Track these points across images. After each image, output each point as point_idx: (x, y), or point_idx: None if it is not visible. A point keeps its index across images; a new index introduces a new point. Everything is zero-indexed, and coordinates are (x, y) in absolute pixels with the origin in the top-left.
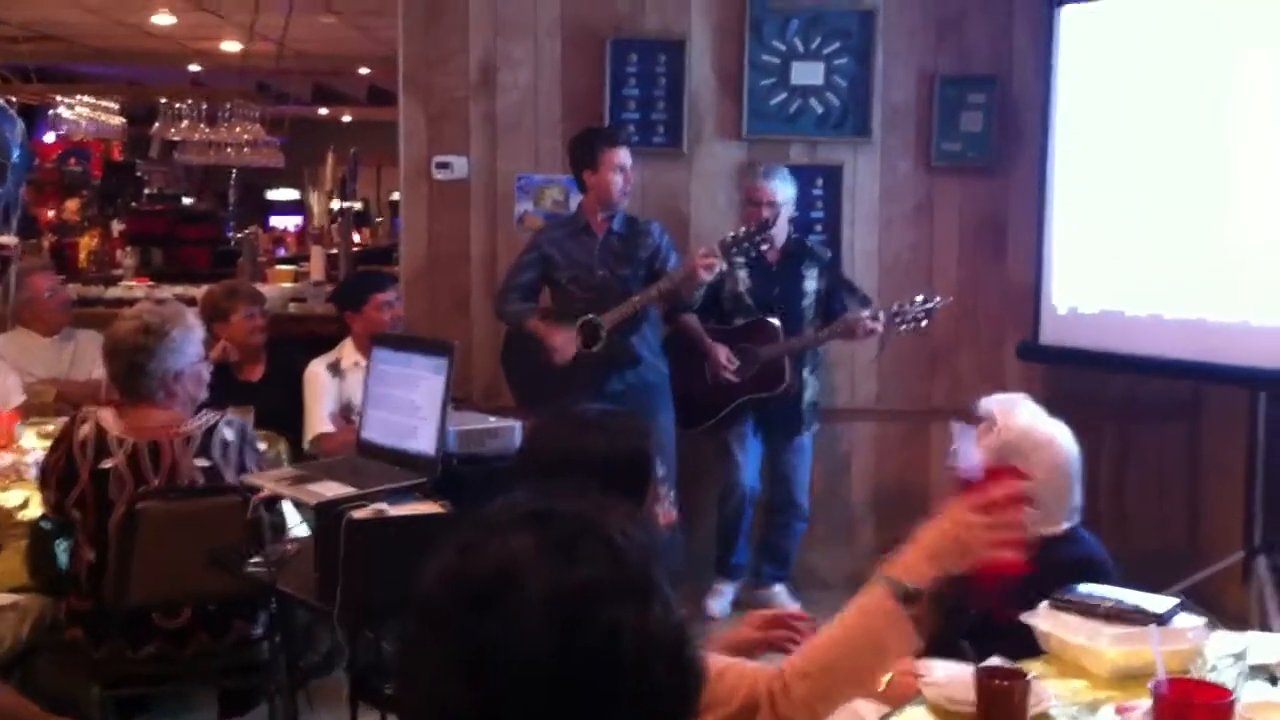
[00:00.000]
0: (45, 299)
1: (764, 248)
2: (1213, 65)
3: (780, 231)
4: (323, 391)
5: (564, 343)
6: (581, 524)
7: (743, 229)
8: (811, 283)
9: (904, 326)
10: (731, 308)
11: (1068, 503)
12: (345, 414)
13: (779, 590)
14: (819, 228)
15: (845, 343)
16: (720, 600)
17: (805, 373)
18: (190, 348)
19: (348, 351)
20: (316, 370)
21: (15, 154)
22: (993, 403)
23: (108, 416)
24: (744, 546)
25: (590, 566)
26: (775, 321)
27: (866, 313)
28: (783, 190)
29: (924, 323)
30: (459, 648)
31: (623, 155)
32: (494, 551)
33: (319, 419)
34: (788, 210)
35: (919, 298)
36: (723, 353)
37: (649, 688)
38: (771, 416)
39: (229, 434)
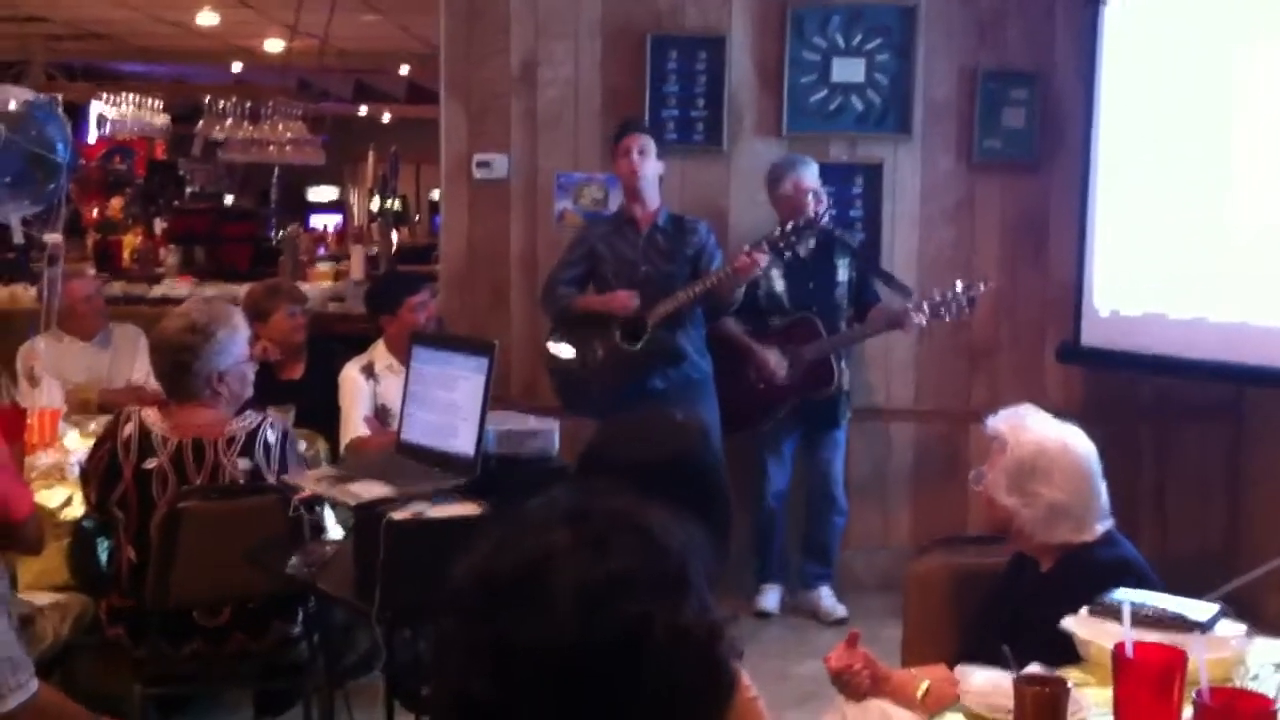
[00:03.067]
0: (82, 305)
1: (811, 244)
2: (1260, 63)
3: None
4: (358, 395)
5: (626, 297)
6: (617, 519)
7: (790, 224)
8: (844, 272)
9: (948, 317)
10: (767, 306)
11: (1096, 505)
12: (380, 417)
13: (825, 593)
14: (859, 225)
15: (880, 342)
16: (769, 598)
17: (843, 365)
18: (236, 348)
19: (380, 354)
20: (351, 374)
21: (61, 152)
22: (1000, 422)
23: (152, 415)
24: (779, 549)
25: (622, 560)
26: (816, 319)
27: (910, 304)
28: (817, 179)
29: (968, 310)
30: (484, 637)
31: (630, 140)
32: (527, 547)
33: (354, 423)
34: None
35: (959, 284)
36: (772, 357)
37: (677, 683)
38: (812, 413)
39: (272, 436)
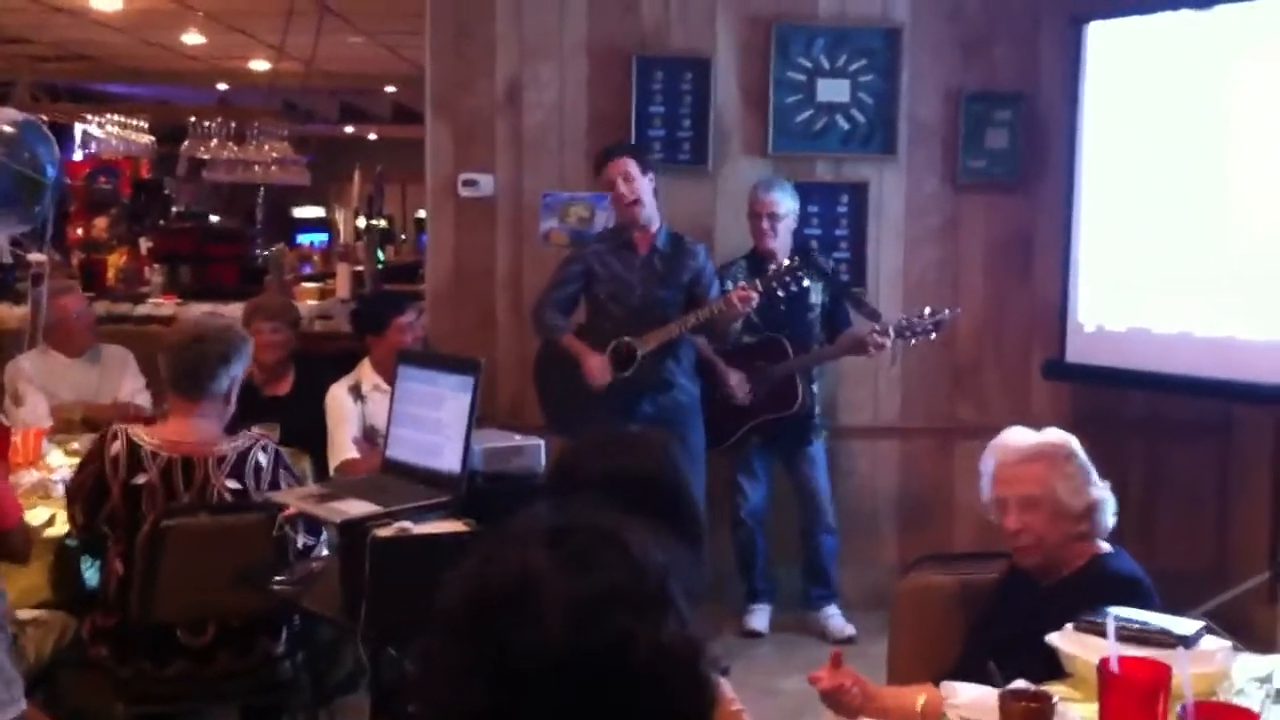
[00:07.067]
0: (73, 320)
1: (805, 284)
2: (1241, 83)
3: (784, 246)
4: (345, 416)
5: (599, 369)
6: (599, 536)
7: (785, 263)
8: (816, 296)
9: (914, 340)
10: (739, 326)
11: (1086, 492)
12: (369, 438)
13: (831, 612)
14: (844, 245)
15: (867, 361)
16: (759, 617)
17: (813, 386)
18: (246, 362)
19: (366, 374)
20: (338, 395)
21: (50, 173)
22: (985, 457)
23: (140, 431)
24: (764, 567)
25: (606, 575)
26: (784, 340)
27: (876, 327)
28: (784, 202)
29: (933, 335)
30: (474, 654)
31: (622, 164)
32: (513, 562)
33: (343, 445)
34: (790, 223)
35: (927, 310)
36: (734, 377)
37: (662, 698)
38: (782, 431)
39: (263, 459)
